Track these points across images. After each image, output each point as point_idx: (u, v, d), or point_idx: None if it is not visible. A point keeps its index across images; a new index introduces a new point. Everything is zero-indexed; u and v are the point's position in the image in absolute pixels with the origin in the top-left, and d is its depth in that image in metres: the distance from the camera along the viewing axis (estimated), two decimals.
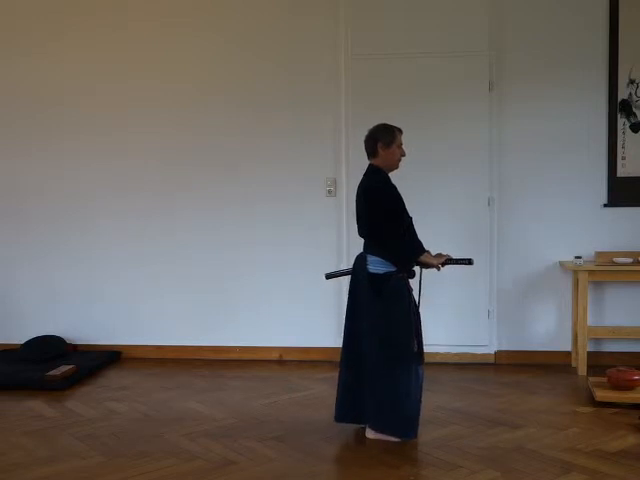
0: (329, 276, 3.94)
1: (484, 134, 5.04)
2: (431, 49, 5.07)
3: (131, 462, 3.29)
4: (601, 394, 4.05)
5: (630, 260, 4.84)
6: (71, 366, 4.79)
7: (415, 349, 3.49)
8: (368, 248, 3.58)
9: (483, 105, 5.04)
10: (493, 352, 5.15)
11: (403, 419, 3.49)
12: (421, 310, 3.60)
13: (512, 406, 4.10)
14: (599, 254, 5.01)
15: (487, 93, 5.03)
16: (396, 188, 3.59)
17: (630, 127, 5.01)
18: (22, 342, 5.28)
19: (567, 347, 5.09)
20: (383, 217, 3.48)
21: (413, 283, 3.57)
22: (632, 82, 4.99)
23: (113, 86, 5.35)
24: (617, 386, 4.08)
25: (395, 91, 5.09)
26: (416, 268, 3.62)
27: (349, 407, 3.62)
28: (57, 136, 5.42)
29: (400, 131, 3.65)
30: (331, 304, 5.17)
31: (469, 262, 3.69)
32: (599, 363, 4.84)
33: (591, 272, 4.78)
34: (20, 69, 5.43)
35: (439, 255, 3.61)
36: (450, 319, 5.10)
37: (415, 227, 3.67)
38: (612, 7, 4.96)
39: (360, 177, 3.67)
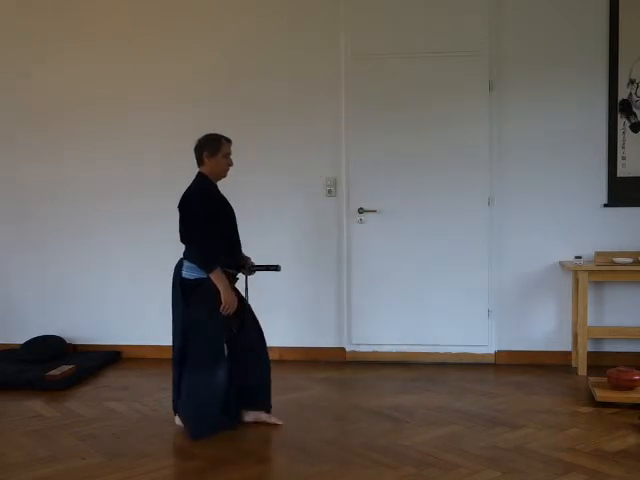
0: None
1: (484, 134, 5.04)
2: (431, 49, 5.06)
3: (131, 462, 3.28)
4: (601, 394, 4.05)
5: (630, 260, 4.84)
6: (71, 366, 4.79)
7: (225, 352, 3.62)
8: (185, 254, 3.67)
9: (483, 105, 5.04)
10: (493, 352, 5.15)
11: (195, 418, 3.59)
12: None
13: (512, 406, 4.09)
14: (599, 254, 5.01)
15: (487, 93, 5.04)
16: (214, 197, 3.66)
17: (630, 127, 5.01)
18: (22, 342, 5.28)
19: (567, 347, 5.09)
20: (191, 223, 3.58)
21: (239, 285, 3.70)
22: (632, 82, 4.99)
23: (114, 90, 5.35)
24: (617, 386, 4.08)
25: (395, 91, 5.10)
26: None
27: (175, 402, 3.77)
28: (58, 138, 5.43)
29: (228, 141, 3.70)
30: (331, 304, 5.17)
31: (276, 269, 3.83)
32: (599, 363, 4.84)
33: (591, 272, 4.78)
34: (20, 74, 5.44)
35: (231, 294, 3.62)
36: (450, 319, 5.09)
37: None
38: (612, 7, 4.96)
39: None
